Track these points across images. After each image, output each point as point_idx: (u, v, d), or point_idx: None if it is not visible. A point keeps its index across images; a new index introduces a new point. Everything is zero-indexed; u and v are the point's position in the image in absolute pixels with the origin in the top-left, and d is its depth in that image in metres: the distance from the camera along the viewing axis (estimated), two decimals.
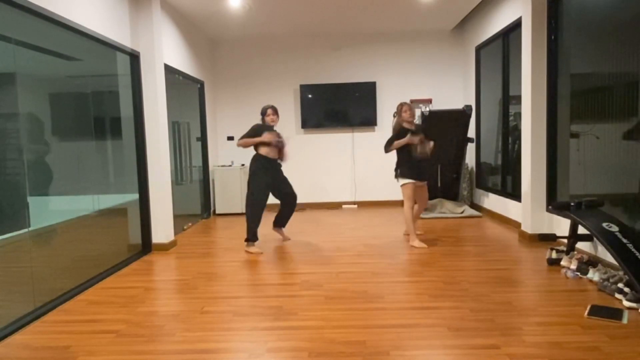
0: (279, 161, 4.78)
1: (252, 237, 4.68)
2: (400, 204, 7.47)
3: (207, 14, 5.99)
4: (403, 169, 4.71)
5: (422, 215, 6.30)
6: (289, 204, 4.93)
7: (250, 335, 2.69)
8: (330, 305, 3.13)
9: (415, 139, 4.62)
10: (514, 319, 2.79)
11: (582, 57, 4.27)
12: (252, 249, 4.66)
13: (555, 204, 4.43)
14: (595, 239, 3.86)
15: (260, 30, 6.93)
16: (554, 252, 3.95)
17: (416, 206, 5.02)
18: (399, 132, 4.72)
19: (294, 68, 7.45)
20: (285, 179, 4.85)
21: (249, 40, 7.41)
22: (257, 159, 4.64)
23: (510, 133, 5.78)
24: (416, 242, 4.68)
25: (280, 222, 5.08)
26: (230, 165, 7.20)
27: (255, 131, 4.62)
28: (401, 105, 4.81)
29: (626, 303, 2.93)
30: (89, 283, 3.74)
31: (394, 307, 3.06)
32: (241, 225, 6.19)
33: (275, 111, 4.71)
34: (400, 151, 4.73)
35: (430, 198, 6.67)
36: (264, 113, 4.70)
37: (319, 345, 2.52)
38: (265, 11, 5.94)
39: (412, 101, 7.29)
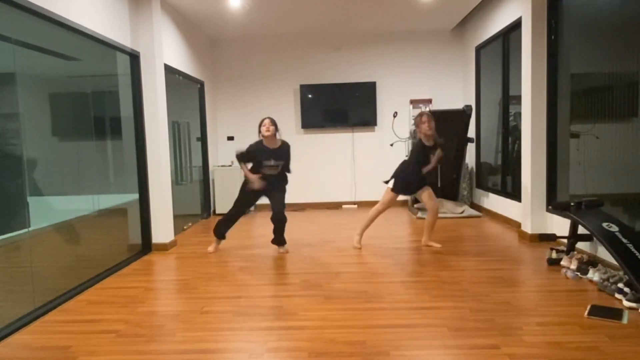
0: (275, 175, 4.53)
1: (216, 233, 4.73)
2: (400, 204, 7.47)
3: (207, 14, 5.99)
4: (399, 180, 4.54)
5: (421, 215, 6.30)
6: (274, 222, 4.57)
7: (250, 335, 2.69)
8: (330, 305, 3.13)
9: (433, 162, 4.51)
10: (514, 319, 2.79)
11: (582, 57, 4.27)
12: (210, 247, 4.78)
13: (555, 204, 4.43)
14: (595, 239, 3.86)
15: (260, 30, 6.93)
16: (554, 252, 3.95)
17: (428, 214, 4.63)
18: (418, 152, 4.48)
19: (294, 68, 7.45)
20: (278, 196, 4.54)
21: (248, 40, 7.41)
22: (251, 169, 4.57)
23: (510, 133, 5.78)
24: (356, 240, 4.75)
25: (275, 240, 4.73)
26: (230, 165, 7.20)
27: (248, 154, 4.51)
28: (420, 115, 4.45)
29: (626, 303, 2.93)
30: (89, 283, 3.74)
31: (394, 307, 3.06)
32: (240, 225, 6.19)
33: (272, 122, 4.43)
34: (410, 162, 4.52)
35: None
36: (260, 125, 4.44)
37: (319, 345, 2.52)
38: (265, 11, 5.94)
39: (412, 101, 7.31)
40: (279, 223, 4.58)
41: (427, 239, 4.68)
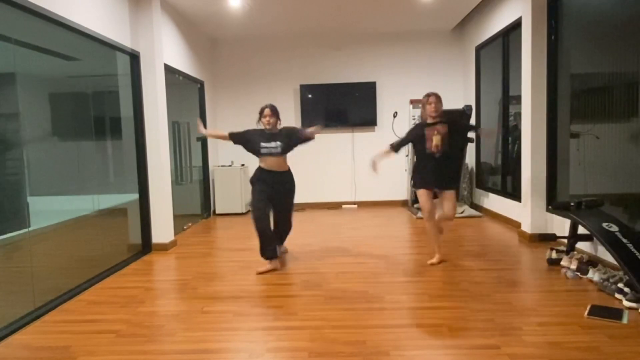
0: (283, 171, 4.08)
1: (263, 253, 3.99)
2: (400, 203, 7.47)
3: (207, 14, 5.99)
4: (415, 175, 4.09)
5: (421, 215, 6.25)
6: (280, 228, 4.25)
7: (250, 335, 2.69)
8: (330, 305, 3.13)
9: (432, 132, 3.85)
10: (514, 319, 2.79)
11: (582, 57, 4.27)
12: (263, 267, 3.96)
13: (555, 204, 4.43)
14: (595, 239, 3.86)
15: (260, 30, 6.93)
16: (554, 252, 3.95)
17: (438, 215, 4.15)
18: (413, 133, 4.04)
19: (294, 68, 7.45)
20: (285, 199, 4.14)
21: (249, 40, 7.41)
22: (255, 170, 4.12)
23: (510, 133, 5.78)
24: (434, 259, 4.05)
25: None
26: (230, 165, 7.19)
27: (244, 133, 4.07)
28: (427, 96, 3.96)
29: (626, 303, 2.93)
30: (89, 283, 3.74)
31: (394, 307, 3.06)
32: (241, 224, 6.19)
33: (273, 112, 3.98)
34: (414, 151, 4.12)
35: None
36: (260, 113, 4.01)
37: (319, 345, 2.52)
38: (265, 11, 5.93)
39: (412, 101, 7.30)
40: (284, 234, 4.34)
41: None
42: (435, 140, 3.85)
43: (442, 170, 3.92)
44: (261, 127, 4.05)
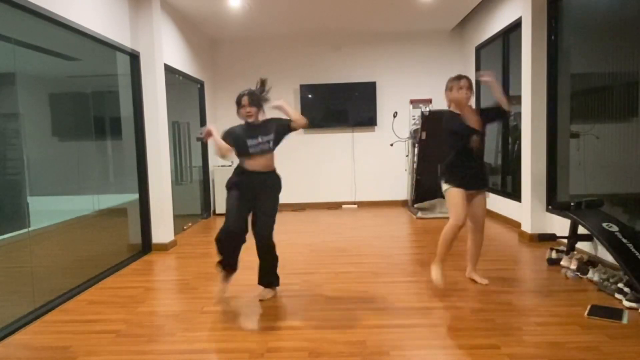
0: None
1: (221, 264, 3.24)
2: (400, 203, 7.47)
3: (207, 14, 5.99)
4: (450, 172, 3.30)
5: (421, 215, 6.27)
6: (260, 253, 3.30)
7: (250, 335, 2.69)
8: (330, 305, 3.13)
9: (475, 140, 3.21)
10: (514, 319, 2.79)
11: (582, 57, 4.27)
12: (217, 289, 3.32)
13: (555, 204, 4.43)
14: (595, 239, 3.86)
15: (260, 30, 6.93)
16: (554, 252, 3.95)
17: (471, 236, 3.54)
18: (451, 126, 3.25)
19: (294, 68, 7.44)
20: (266, 210, 3.21)
21: (249, 40, 7.41)
22: (234, 171, 3.30)
23: (510, 133, 5.78)
24: (433, 273, 3.31)
25: (263, 281, 3.41)
26: (230, 165, 7.19)
27: (229, 136, 3.20)
28: (457, 79, 3.25)
29: (626, 303, 2.92)
30: (89, 283, 3.74)
31: (394, 307, 3.06)
32: None
33: (251, 99, 3.18)
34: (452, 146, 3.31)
35: (430, 198, 6.66)
36: (237, 103, 3.21)
37: (319, 345, 2.52)
38: (265, 11, 5.93)
39: (412, 101, 7.30)
40: (267, 255, 3.30)
41: (471, 269, 3.58)
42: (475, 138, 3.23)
43: (476, 165, 3.31)
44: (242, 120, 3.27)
